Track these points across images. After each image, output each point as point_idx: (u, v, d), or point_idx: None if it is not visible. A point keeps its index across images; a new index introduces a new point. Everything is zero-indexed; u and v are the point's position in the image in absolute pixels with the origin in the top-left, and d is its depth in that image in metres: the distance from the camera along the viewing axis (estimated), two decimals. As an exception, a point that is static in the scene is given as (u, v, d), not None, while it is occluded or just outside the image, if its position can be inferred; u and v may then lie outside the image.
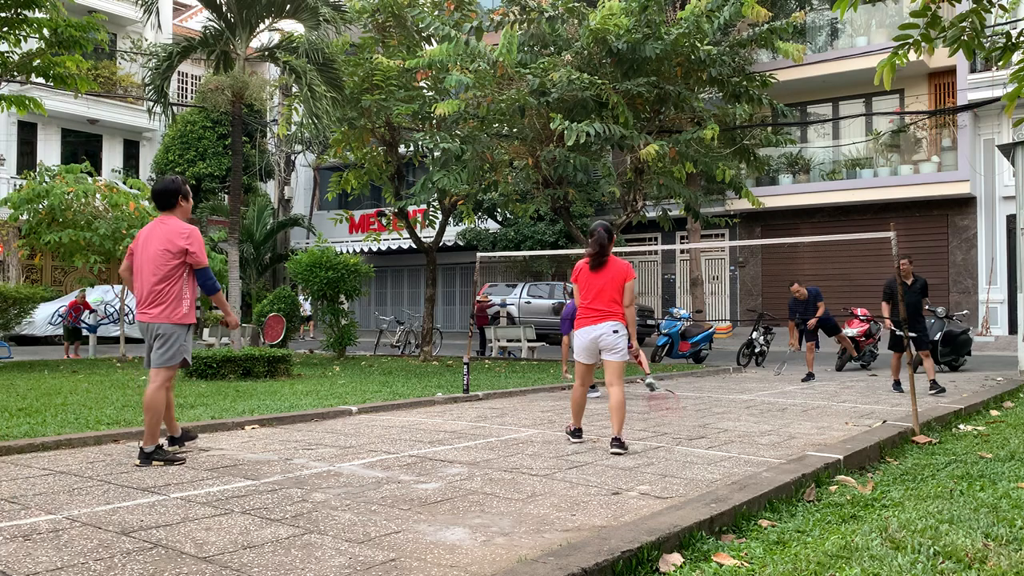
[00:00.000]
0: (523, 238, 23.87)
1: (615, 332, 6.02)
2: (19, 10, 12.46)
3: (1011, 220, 18.79)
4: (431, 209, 17.77)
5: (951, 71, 21.00)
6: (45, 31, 12.95)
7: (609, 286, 6.06)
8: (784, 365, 11.30)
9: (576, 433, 6.42)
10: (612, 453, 5.81)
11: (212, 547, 3.52)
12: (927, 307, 14.27)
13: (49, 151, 26.35)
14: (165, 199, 5.63)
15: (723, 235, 23.41)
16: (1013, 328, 19.59)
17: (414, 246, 18.21)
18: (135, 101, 27.07)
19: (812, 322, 12.46)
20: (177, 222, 5.57)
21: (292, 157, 30.82)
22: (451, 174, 14.15)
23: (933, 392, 9.80)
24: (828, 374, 13.41)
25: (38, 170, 16.74)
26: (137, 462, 5.38)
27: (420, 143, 14.65)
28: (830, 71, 21.77)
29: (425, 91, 15.99)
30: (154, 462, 5.35)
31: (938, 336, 13.51)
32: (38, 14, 12.81)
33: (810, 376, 12.31)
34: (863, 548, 3.44)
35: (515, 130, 14.62)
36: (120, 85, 27.62)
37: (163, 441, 5.79)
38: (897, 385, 10.39)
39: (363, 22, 16.09)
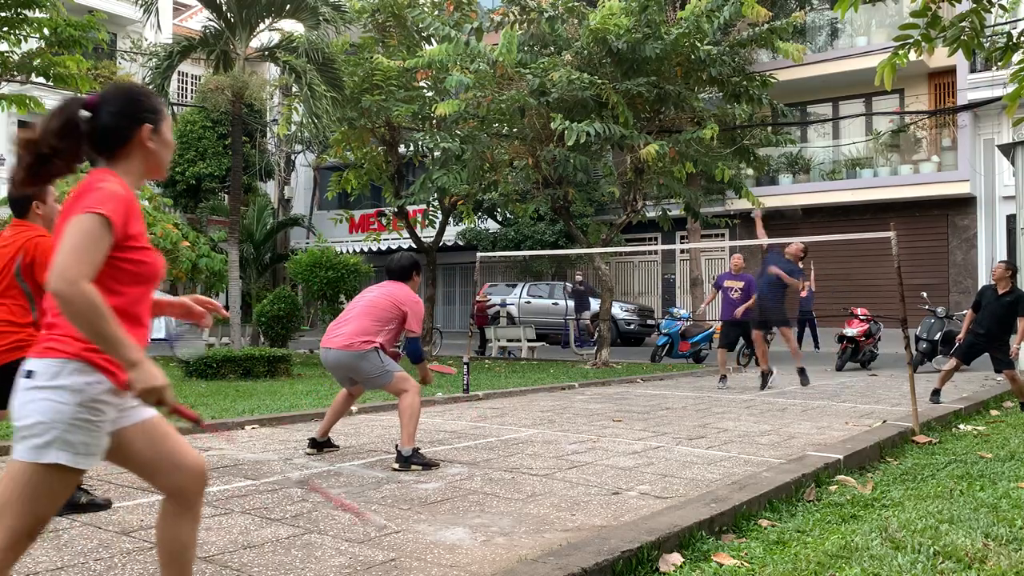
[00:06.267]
0: (523, 238, 23.86)
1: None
2: (19, 10, 12.45)
3: (1011, 220, 18.77)
4: (431, 209, 17.76)
5: (951, 71, 20.98)
6: (45, 31, 12.94)
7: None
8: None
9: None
10: None
11: (212, 547, 3.52)
12: (929, 307, 14.30)
13: (49, 151, 26.31)
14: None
15: (723, 235, 23.40)
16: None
17: (414, 246, 18.21)
18: (135, 101, 27.03)
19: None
20: None
21: (292, 157, 30.81)
22: (451, 173, 14.16)
23: None
24: (828, 374, 13.41)
25: (38, 170, 16.72)
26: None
27: (420, 143, 14.66)
28: (830, 71, 21.75)
29: (425, 91, 16.00)
30: (412, 466, 5.32)
31: (938, 336, 13.52)
32: (38, 14, 12.80)
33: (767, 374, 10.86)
34: (863, 548, 3.44)
35: (515, 130, 14.62)
36: (120, 85, 27.61)
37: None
38: (936, 394, 8.84)
39: (363, 22, 16.10)
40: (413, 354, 5.61)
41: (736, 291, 10.81)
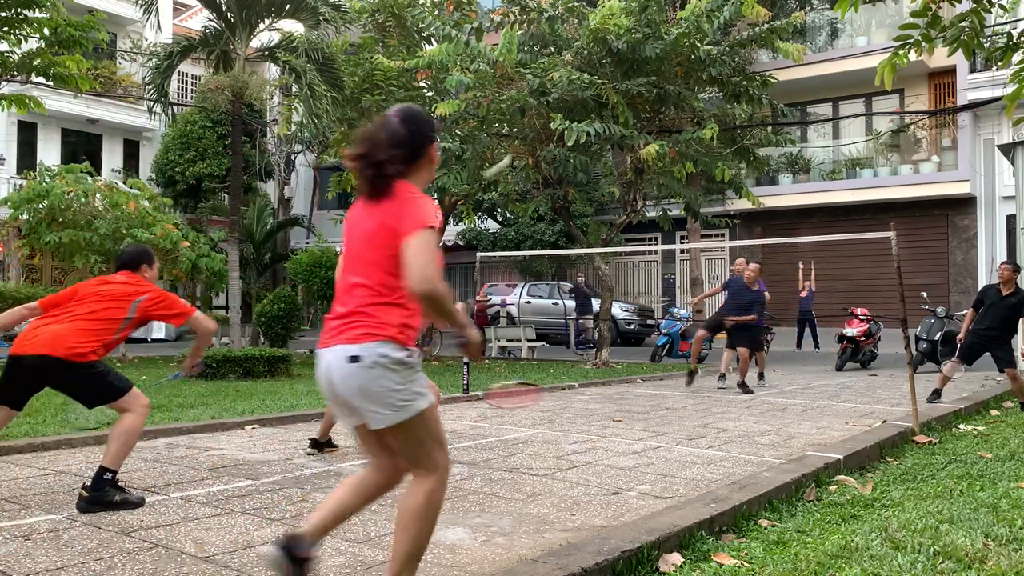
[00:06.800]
0: (523, 238, 23.86)
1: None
2: (19, 10, 12.45)
3: (1011, 220, 18.77)
4: (431, 209, 17.71)
5: (951, 71, 20.97)
6: (45, 31, 12.94)
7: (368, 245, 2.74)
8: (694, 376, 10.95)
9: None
10: None
11: (212, 547, 3.52)
12: (929, 307, 14.31)
13: (49, 151, 26.33)
14: None
15: (723, 235, 23.40)
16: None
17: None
18: (135, 101, 27.06)
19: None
20: None
21: (292, 157, 30.79)
22: (451, 173, 14.16)
23: None
24: (828, 374, 13.41)
25: (38, 170, 16.73)
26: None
27: (420, 143, 14.64)
28: (830, 71, 21.74)
29: (425, 91, 16.00)
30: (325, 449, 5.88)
31: (938, 336, 13.51)
32: (38, 14, 12.80)
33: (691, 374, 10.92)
34: (863, 548, 3.44)
35: (515, 130, 14.62)
36: (120, 85, 27.60)
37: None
38: (936, 395, 8.90)
39: (363, 22, 16.09)
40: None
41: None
